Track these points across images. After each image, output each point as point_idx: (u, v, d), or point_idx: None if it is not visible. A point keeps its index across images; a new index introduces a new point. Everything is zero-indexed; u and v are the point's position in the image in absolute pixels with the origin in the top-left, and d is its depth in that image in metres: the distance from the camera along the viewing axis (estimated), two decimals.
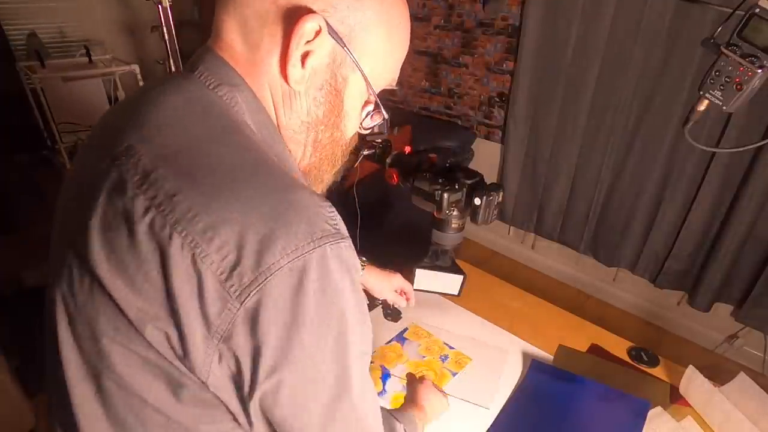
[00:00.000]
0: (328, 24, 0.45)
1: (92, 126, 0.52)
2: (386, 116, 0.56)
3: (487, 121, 2.61)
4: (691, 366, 0.92)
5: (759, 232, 1.86)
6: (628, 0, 1.89)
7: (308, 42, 0.45)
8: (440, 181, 0.87)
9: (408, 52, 0.54)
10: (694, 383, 0.91)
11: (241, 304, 0.38)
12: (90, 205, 0.42)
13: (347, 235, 0.43)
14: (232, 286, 0.38)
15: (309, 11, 0.44)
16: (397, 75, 0.56)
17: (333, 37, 0.45)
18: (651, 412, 0.89)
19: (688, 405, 0.91)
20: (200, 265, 0.38)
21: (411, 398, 0.89)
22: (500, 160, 2.59)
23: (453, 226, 0.94)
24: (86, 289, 0.42)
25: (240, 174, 0.41)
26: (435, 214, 0.89)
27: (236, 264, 0.38)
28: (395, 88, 0.56)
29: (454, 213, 0.91)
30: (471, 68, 2.56)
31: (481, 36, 2.45)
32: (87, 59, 2.57)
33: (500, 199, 0.88)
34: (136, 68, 2.53)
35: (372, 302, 1.17)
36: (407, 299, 1.09)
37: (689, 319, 2.22)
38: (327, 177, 0.58)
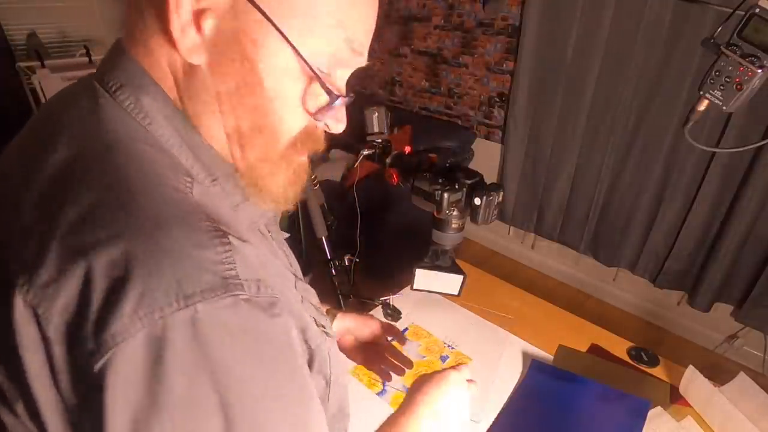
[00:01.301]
0: None
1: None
2: (337, 95, 0.40)
3: (487, 121, 2.61)
4: (691, 366, 0.92)
5: (759, 232, 1.86)
6: (628, 0, 1.88)
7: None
8: (440, 181, 0.87)
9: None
10: (694, 383, 0.91)
11: (87, 378, 0.30)
12: None
13: (259, 283, 0.34)
14: (77, 354, 0.30)
15: None
16: (362, 37, 0.40)
17: None
18: (651, 412, 0.89)
19: (688, 405, 0.91)
20: (45, 329, 0.30)
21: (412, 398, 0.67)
22: (500, 160, 2.59)
23: (453, 226, 0.94)
24: None
25: (103, 206, 0.33)
26: (435, 214, 0.89)
27: (78, 326, 0.30)
28: (364, 63, 0.42)
29: (454, 213, 0.90)
30: (471, 68, 2.56)
31: (481, 36, 2.45)
32: (87, 59, 2.57)
33: (500, 199, 0.88)
34: None
35: (372, 302, 1.17)
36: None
37: (689, 319, 2.22)
38: (271, 184, 0.43)
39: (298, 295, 0.48)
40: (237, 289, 0.32)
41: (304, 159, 0.45)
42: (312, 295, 0.53)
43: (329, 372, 0.49)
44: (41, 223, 0.33)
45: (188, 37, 0.36)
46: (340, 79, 0.43)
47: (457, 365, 0.69)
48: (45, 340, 0.31)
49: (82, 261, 0.30)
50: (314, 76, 0.38)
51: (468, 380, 0.67)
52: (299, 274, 0.56)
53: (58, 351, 0.31)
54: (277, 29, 0.36)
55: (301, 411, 0.37)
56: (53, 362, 0.31)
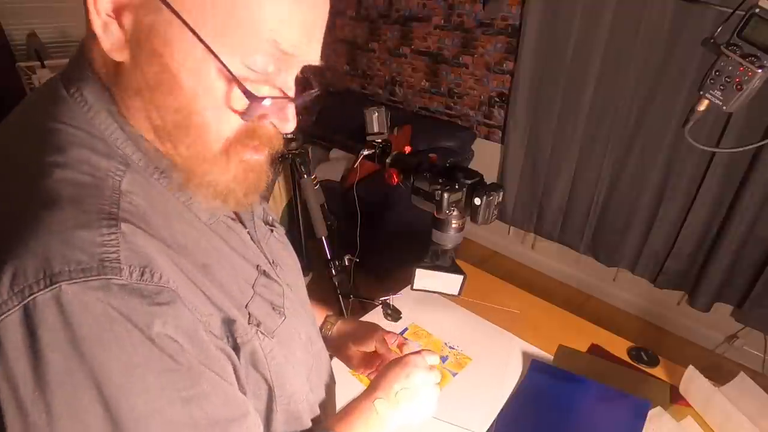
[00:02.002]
0: None
1: None
2: (261, 98, 0.38)
3: (487, 121, 2.61)
4: (691, 366, 0.92)
5: (759, 232, 1.86)
6: (628, 0, 1.89)
7: None
8: (440, 181, 0.87)
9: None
10: (694, 383, 0.91)
11: None
12: None
13: (144, 268, 0.34)
14: None
15: None
16: (297, 40, 0.38)
17: None
18: (651, 412, 0.89)
19: (688, 405, 0.91)
20: None
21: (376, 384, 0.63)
22: (500, 160, 2.59)
23: (453, 226, 0.94)
24: None
25: (7, 179, 0.36)
26: (435, 214, 0.89)
27: None
28: (311, 62, 0.41)
29: (454, 213, 0.90)
30: (471, 68, 2.56)
31: (481, 36, 2.45)
32: None
33: (500, 199, 0.88)
34: None
35: (372, 302, 1.18)
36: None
37: (689, 319, 2.22)
38: (211, 182, 0.42)
39: (249, 294, 0.47)
40: (112, 272, 0.32)
41: (256, 157, 0.43)
42: (275, 293, 0.51)
43: (269, 376, 0.47)
44: None
45: (110, 34, 0.36)
46: (283, 79, 0.41)
47: (422, 351, 0.68)
48: None
49: None
50: (232, 78, 0.37)
51: (433, 366, 0.67)
52: (279, 272, 0.55)
53: None
54: (187, 25, 0.35)
55: (182, 400, 0.35)
56: None
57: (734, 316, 2.06)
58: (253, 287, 0.48)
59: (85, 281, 0.31)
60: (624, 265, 2.30)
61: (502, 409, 0.91)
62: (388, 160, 0.98)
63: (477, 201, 0.86)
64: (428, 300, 1.17)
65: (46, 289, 0.30)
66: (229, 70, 0.36)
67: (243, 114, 0.39)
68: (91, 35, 0.38)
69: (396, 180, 0.96)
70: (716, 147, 1.93)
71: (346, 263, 1.55)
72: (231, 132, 0.40)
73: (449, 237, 0.96)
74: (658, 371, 1.00)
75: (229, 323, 0.43)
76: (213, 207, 0.45)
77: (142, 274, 0.34)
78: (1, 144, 0.40)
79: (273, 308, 0.50)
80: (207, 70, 0.37)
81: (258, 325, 0.47)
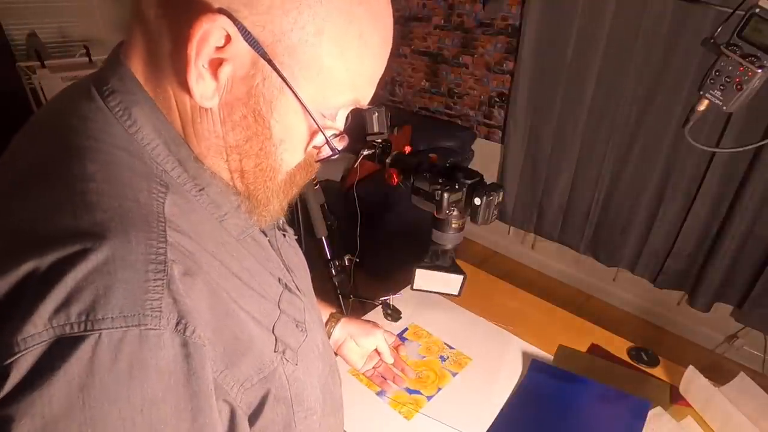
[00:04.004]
0: (240, 26, 0.34)
1: None
2: (336, 150, 0.44)
3: (487, 121, 2.61)
4: (691, 366, 0.92)
5: (759, 232, 1.86)
6: (628, 0, 1.88)
7: (219, 49, 0.35)
8: (440, 181, 0.87)
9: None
10: (694, 383, 0.91)
11: None
12: None
13: (184, 321, 0.34)
14: None
15: (212, 9, 0.34)
16: (369, 94, 0.43)
17: (251, 46, 0.35)
18: (651, 412, 0.89)
19: (688, 405, 0.91)
20: None
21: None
22: (500, 160, 2.59)
23: (453, 226, 0.94)
24: None
25: (55, 209, 0.33)
26: (435, 214, 0.89)
27: (4, 318, 0.30)
28: (364, 107, 0.45)
29: (454, 213, 0.90)
30: (471, 68, 2.56)
31: (481, 36, 2.45)
32: (87, 59, 2.57)
33: (500, 199, 0.88)
34: None
35: (372, 302, 1.17)
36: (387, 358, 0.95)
37: (689, 319, 2.22)
38: (268, 207, 0.45)
39: (276, 313, 0.47)
40: (151, 322, 0.32)
41: (299, 184, 0.47)
42: (297, 309, 0.52)
43: (290, 397, 0.48)
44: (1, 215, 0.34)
45: (203, 84, 0.36)
46: (341, 119, 0.45)
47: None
48: None
49: (21, 261, 0.30)
50: (319, 131, 0.41)
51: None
52: (302, 282, 0.55)
53: None
54: (295, 95, 0.37)
55: None
56: None
57: (734, 316, 2.06)
58: (278, 305, 0.48)
59: (124, 330, 0.31)
60: (624, 265, 2.30)
61: (502, 409, 0.91)
62: (388, 160, 0.98)
63: (477, 201, 0.86)
64: (428, 300, 1.17)
65: (85, 332, 0.30)
66: (320, 128, 0.41)
67: (316, 155, 0.45)
68: (152, 63, 0.38)
69: (396, 180, 0.96)
70: (716, 147, 1.93)
71: (346, 263, 1.55)
72: (296, 165, 0.44)
73: (449, 237, 0.96)
74: (658, 371, 1.00)
75: (254, 358, 0.43)
76: (250, 224, 0.46)
77: (177, 325, 0.34)
78: (38, 157, 0.38)
79: (296, 325, 0.51)
80: (298, 123, 0.40)
81: (284, 352, 0.47)
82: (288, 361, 0.47)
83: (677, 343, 2.25)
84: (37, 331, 0.29)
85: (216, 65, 0.36)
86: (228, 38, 0.35)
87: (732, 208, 1.89)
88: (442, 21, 2.58)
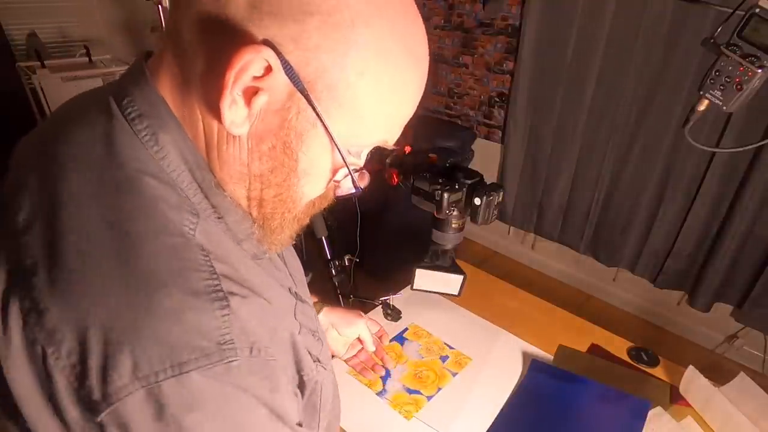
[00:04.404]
0: (284, 61, 0.34)
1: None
2: (359, 188, 0.45)
3: (487, 121, 2.61)
4: (691, 366, 0.92)
5: (759, 232, 1.86)
6: (628, 0, 1.88)
7: (256, 78, 0.35)
8: (440, 181, 0.87)
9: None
10: (694, 383, 0.91)
11: (99, 418, 0.32)
12: None
13: (252, 346, 0.35)
14: (85, 397, 0.32)
15: (256, 40, 0.33)
16: (397, 135, 0.44)
17: (291, 80, 0.35)
18: (651, 412, 0.89)
19: (688, 405, 0.91)
20: (52, 369, 0.32)
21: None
22: (500, 160, 2.59)
23: (453, 226, 0.94)
24: None
25: (101, 256, 0.33)
26: (435, 214, 0.89)
27: (84, 375, 0.31)
28: (391, 148, 0.45)
29: (454, 213, 0.91)
30: (471, 68, 2.56)
31: (481, 36, 2.45)
32: (87, 59, 2.57)
33: (500, 199, 0.88)
34: None
35: (372, 302, 1.17)
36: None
37: (689, 319, 2.22)
38: (280, 235, 0.45)
39: (297, 325, 0.48)
40: (230, 354, 0.34)
41: (311, 214, 0.47)
42: (310, 318, 0.52)
43: (319, 401, 0.50)
44: (44, 268, 0.33)
45: (235, 111, 0.35)
46: (364, 156, 0.45)
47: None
48: (48, 376, 0.32)
49: (82, 316, 0.32)
50: (347, 170, 0.41)
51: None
52: (301, 290, 0.56)
53: (64, 390, 0.32)
54: (328, 132, 0.37)
55: None
56: (56, 396, 0.32)
57: (734, 316, 2.06)
58: (295, 317, 0.49)
59: (210, 368, 0.32)
60: (624, 265, 2.30)
61: (502, 409, 0.91)
62: (388, 160, 0.98)
63: (477, 201, 0.86)
64: (428, 300, 1.17)
65: (174, 377, 0.31)
66: (347, 165, 0.40)
67: (335, 189, 0.45)
68: (181, 85, 0.38)
69: (396, 180, 0.96)
70: (716, 147, 1.93)
71: (346, 263, 1.55)
72: (314, 197, 0.45)
73: (449, 237, 0.96)
74: (658, 371, 1.00)
75: (298, 363, 0.45)
76: (261, 251, 0.46)
77: (251, 351, 0.36)
78: (70, 197, 0.36)
79: (313, 335, 0.51)
80: (324, 158, 0.40)
81: (318, 360, 0.49)
82: (325, 368, 0.50)
83: (677, 343, 2.25)
84: (124, 384, 0.31)
85: (250, 94, 0.35)
86: (268, 70, 0.34)
87: (732, 208, 1.89)
88: (442, 21, 2.58)
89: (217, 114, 0.36)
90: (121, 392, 0.31)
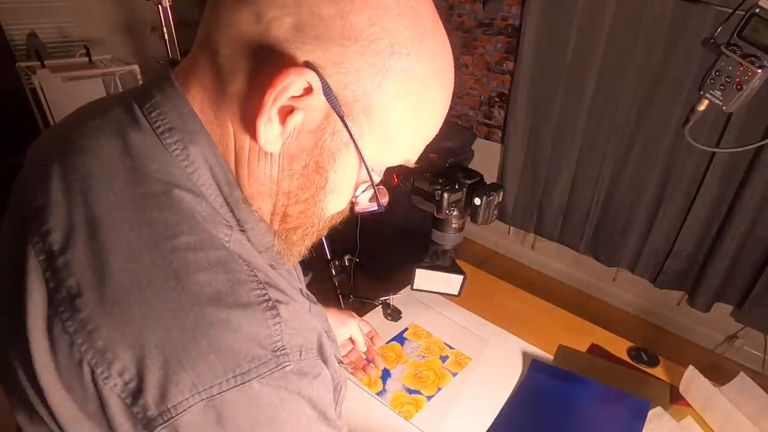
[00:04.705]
0: (324, 83, 0.35)
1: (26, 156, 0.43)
2: (382, 205, 0.46)
3: (487, 121, 2.61)
4: (691, 366, 0.92)
5: (759, 232, 1.86)
6: (628, 0, 1.88)
7: (294, 98, 0.35)
8: (440, 181, 0.87)
9: None
10: (694, 383, 0.91)
11: None
12: (17, 296, 0.35)
13: (301, 349, 0.36)
14: (138, 413, 0.32)
15: (299, 62, 0.34)
16: (418, 154, 0.45)
17: (329, 102, 0.35)
18: (651, 412, 0.89)
19: (688, 405, 0.91)
20: (101, 387, 0.32)
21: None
22: (500, 160, 2.59)
23: (453, 226, 0.94)
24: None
25: (150, 274, 0.33)
26: (435, 214, 0.89)
27: (138, 392, 0.32)
28: (411, 166, 0.47)
29: (454, 213, 0.91)
30: (471, 68, 2.56)
31: (481, 36, 2.45)
32: (87, 59, 2.57)
33: (500, 199, 0.88)
34: (136, 68, 2.53)
35: (372, 302, 1.17)
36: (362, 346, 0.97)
37: (689, 319, 2.22)
38: (298, 249, 0.47)
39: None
40: (284, 360, 0.35)
41: (328, 227, 0.48)
42: (323, 319, 0.53)
43: (339, 398, 0.51)
44: (91, 291, 0.33)
45: (270, 129, 0.36)
46: (382, 173, 0.46)
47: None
48: (99, 395, 0.32)
49: (138, 330, 0.32)
50: (372, 188, 0.43)
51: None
52: (306, 293, 0.56)
53: (115, 404, 0.32)
54: (360, 154, 0.39)
55: None
56: (108, 414, 0.32)
57: (734, 316, 2.06)
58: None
59: (269, 374, 0.34)
60: (624, 265, 2.30)
61: (502, 409, 0.91)
62: None
63: (477, 201, 0.86)
64: (428, 300, 1.17)
65: (236, 387, 0.32)
66: (373, 184, 0.42)
67: (356, 205, 0.46)
68: (215, 98, 0.38)
69: (396, 180, 0.96)
70: (716, 147, 1.93)
71: (346, 263, 1.55)
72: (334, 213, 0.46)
73: (449, 237, 0.96)
74: (658, 371, 1.00)
75: (334, 369, 0.45)
76: (280, 263, 0.47)
77: (301, 354, 0.37)
78: (106, 210, 0.35)
79: (328, 336, 0.51)
80: (351, 176, 0.41)
81: (341, 362, 0.50)
82: (346, 368, 0.51)
83: (677, 343, 2.25)
84: (185, 398, 0.31)
85: (286, 112, 0.36)
86: (307, 91, 0.35)
87: (732, 208, 1.89)
88: (442, 21, 2.58)
89: (251, 130, 0.37)
90: (179, 407, 0.31)
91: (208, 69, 0.38)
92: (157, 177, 0.37)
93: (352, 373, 0.97)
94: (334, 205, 0.43)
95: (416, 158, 0.45)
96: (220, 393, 0.32)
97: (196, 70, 0.39)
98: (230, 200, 0.40)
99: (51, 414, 0.34)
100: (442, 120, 0.43)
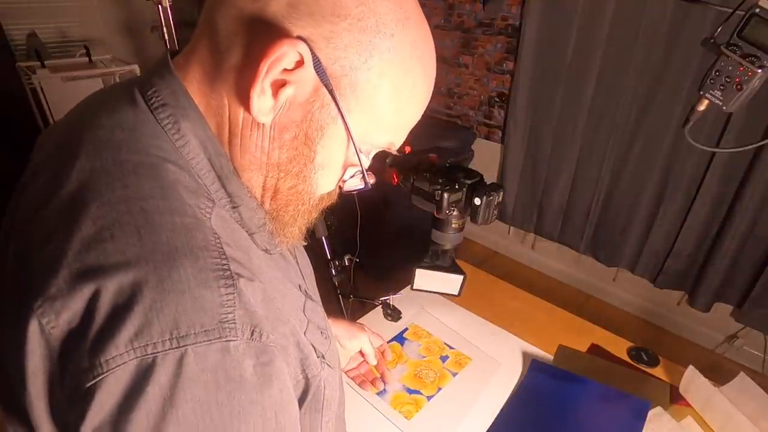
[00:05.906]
0: (315, 57, 0.37)
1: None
2: (369, 184, 0.47)
3: (487, 121, 2.61)
4: (691, 366, 0.92)
5: (759, 232, 1.86)
6: (628, 0, 1.89)
7: (286, 71, 0.37)
8: (440, 181, 0.87)
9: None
10: (694, 383, 0.91)
11: (76, 394, 0.31)
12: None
13: (254, 329, 0.35)
14: (72, 371, 0.31)
15: (292, 36, 0.36)
16: (401, 140, 0.47)
17: (318, 75, 0.38)
18: (651, 412, 0.89)
19: (688, 405, 0.91)
20: (49, 340, 0.32)
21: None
22: (500, 160, 2.59)
23: (453, 226, 0.94)
24: None
25: (114, 228, 0.33)
26: (435, 214, 0.89)
27: (77, 343, 0.31)
28: (393, 152, 0.49)
29: (454, 213, 0.90)
30: (471, 68, 2.56)
31: (481, 36, 2.45)
32: (87, 59, 2.57)
33: (500, 199, 0.88)
34: (136, 68, 2.53)
35: (372, 302, 1.18)
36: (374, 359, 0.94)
37: (689, 319, 2.22)
38: (291, 228, 0.47)
39: (305, 321, 0.48)
40: (229, 334, 0.33)
41: (319, 209, 0.49)
42: (319, 316, 0.52)
43: (324, 402, 0.49)
44: (59, 235, 0.34)
45: (263, 100, 0.38)
46: (370, 157, 0.47)
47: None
48: (49, 354, 0.32)
49: (91, 282, 0.31)
50: (360, 168, 0.44)
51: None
52: (311, 287, 0.56)
53: (56, 364, 0.32)
54: (346, 127, 0.40)
55: None
56: (52, 378, 0.32)
57: (734, 316, 2.06)
58: (304, 313, 0.49)
59: (208, 344, 0.32)
60: (624, 265, 2.30)
61: (502, 409, 0.91)
62: (388, 160, 0.98)
63: (477, 201, 0.86)
64: (428, 300, 1.17)
65: (171, 350, 0.31)
66: (360, 160, 0.43)
67: (343, 185, 0.47)
68: (209, 75, 0.40)
69: (396, 180, 0.96)
70: (716, 147, 1.93)
71: (346, 263, 1.55)
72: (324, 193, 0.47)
73: (449, 237, 0.96)
74: (658, 371, 1.00)
75: (303, 361, 0.44)
76: (273, 244, 0.47)
77: (252, 333, 0.35)
78: (89, 174, 0.37)
79: (321, 333, 0.51)
80: (339, 153, 0.43)
81: (323, 357, 0.48)
82: (329, 366, 0.50)
83: (677, 343, 2.25)
84: (119, 353, 0.30)
85: (278, 86, 0.38)
86: (299, 64, 0.37)
87: (732, 208, 1.89)
88: (442, 21, 2.58)
89: (245, 102, 0.39)
90: (113, 362, 0.30)
91: (207, 48, 0.40)
92: (146, 150, 0.38)
93: (359, 386, 0.94)
94: (324, 182, 0.45)
95: (400, 143, 0.47)
96: (154, 353, 0.30)
97: (196, 51, 0.41)
98: (221, 173, 0.41)
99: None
100: (424, 105, 0.45)
